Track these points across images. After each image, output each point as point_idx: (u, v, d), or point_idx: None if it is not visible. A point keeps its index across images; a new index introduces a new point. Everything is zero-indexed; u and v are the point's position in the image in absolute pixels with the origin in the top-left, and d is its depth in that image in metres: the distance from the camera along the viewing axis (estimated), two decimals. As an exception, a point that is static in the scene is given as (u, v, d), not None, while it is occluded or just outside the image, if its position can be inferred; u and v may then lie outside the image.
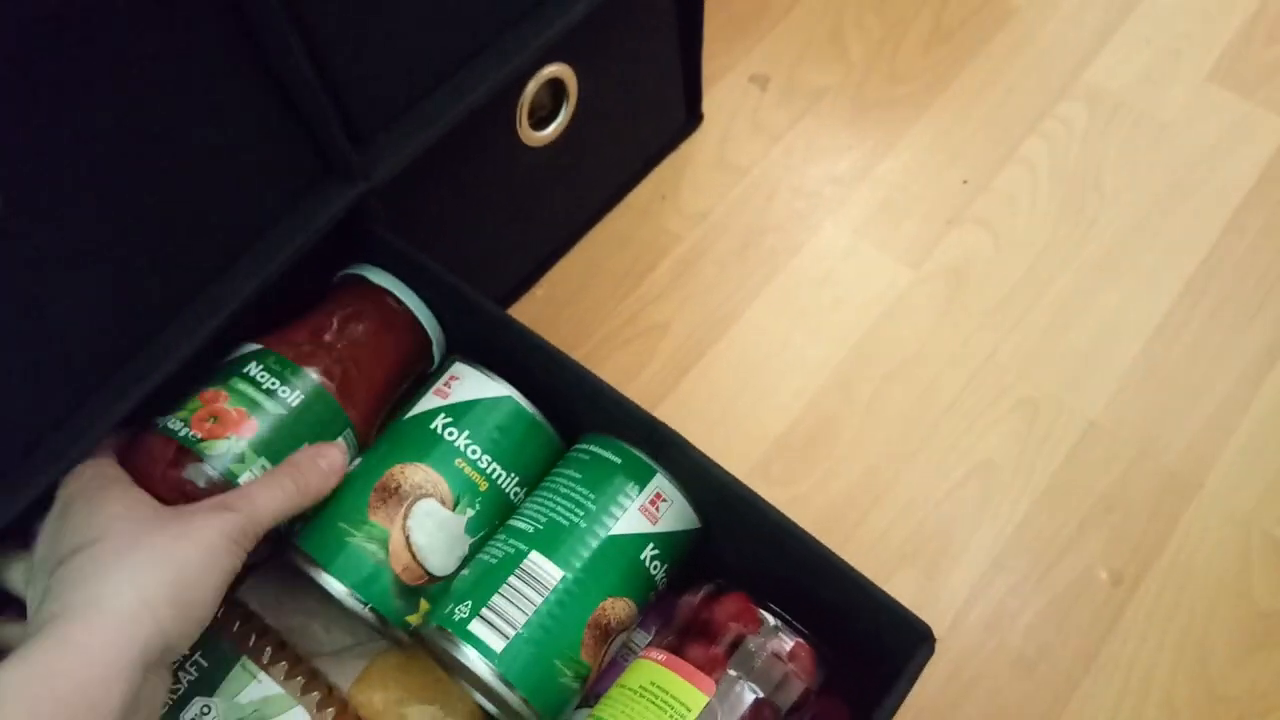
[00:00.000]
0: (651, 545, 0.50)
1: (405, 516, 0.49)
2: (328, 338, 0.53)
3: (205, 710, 0.50)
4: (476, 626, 0.47)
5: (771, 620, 0.47)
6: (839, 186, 0.83)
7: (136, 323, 0.47)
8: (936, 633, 0.45)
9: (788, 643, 0.46)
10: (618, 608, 0.49)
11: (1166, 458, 0.71)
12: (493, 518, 0.51)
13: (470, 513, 0.50)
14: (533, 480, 0.53)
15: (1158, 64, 0.87)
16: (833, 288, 0.78)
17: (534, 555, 0.48)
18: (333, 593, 0.49)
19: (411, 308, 0.56)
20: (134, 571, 0.41)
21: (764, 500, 0.47)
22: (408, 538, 0.49)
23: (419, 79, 0.54)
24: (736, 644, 0.46)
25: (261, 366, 0.50)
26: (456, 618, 0.47)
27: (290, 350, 0.51)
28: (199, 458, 0.47)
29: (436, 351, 0.57)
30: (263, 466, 0.48)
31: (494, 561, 0.48)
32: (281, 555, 0.51)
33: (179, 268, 0.48)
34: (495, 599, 0.47)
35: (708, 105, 0.85)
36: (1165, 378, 0.74)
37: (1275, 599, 0.67)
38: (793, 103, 0.87)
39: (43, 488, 0.45)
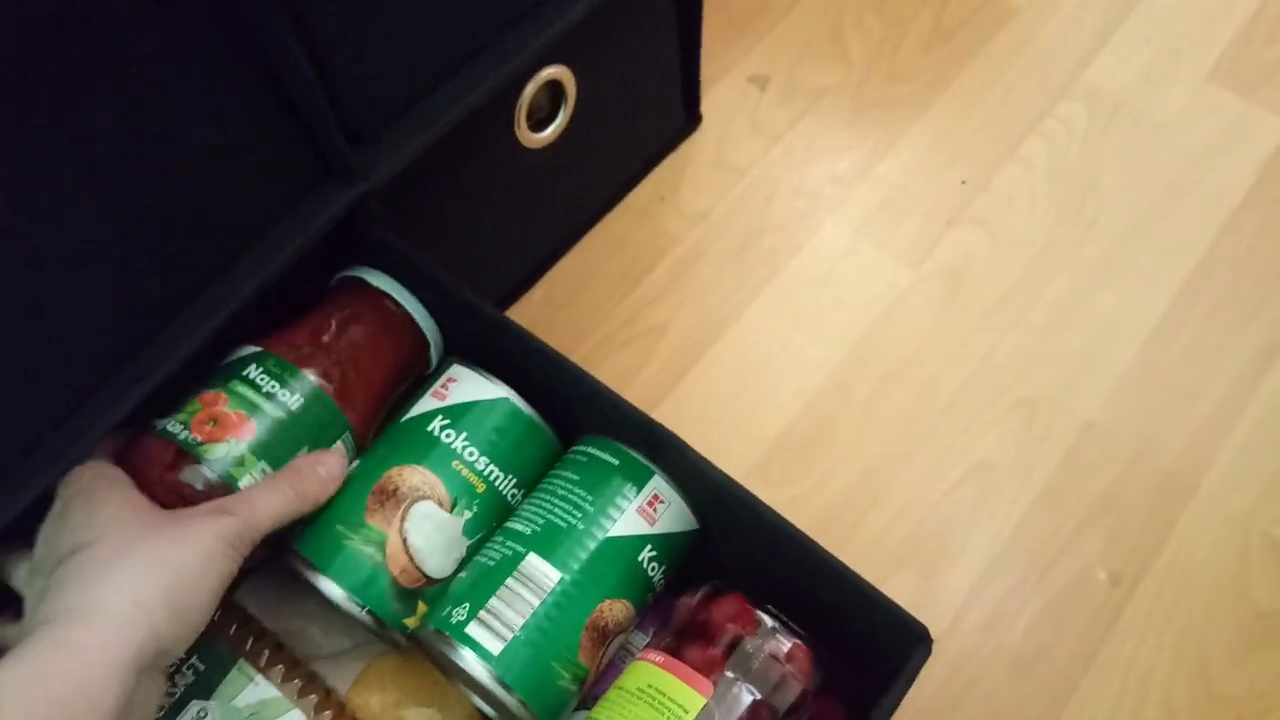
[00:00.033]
0: (649, 547, 0.50)
1: (402, 519, 0.49)
2: (326, 340, 0.53)
3: (202, 713, 0.50)
4: (474, 629, 0.47)
5: (769, 621, 0.47)
6: (838, 187, 0.83)
7: (136, 323, 0.47)
8: (934, 634, 0.45)
9: (785, 644, 0.46)
10: (615, 609, 0.49)
11: (1164, 458, 0.71)
12: (490, 520, 0.51)
13: (468, 515, 0.50)
14: (530, 482, 0.53)
15: (1157, 64, 0.87)
16: (832, 288, 0.78)
17: (531, 557, 0.48)
18: (330, 596, 0.49)
19: (410, 310, 0.56)
20: (130, 574, 0.41)
21: (761, 502, 0.47)
22: (405, 540, 0.49)
23: (417, 81, 0.54)
24: (734, 645, 0.46)
25: (261, 369, 0.50)
26: (454, 620, 0.47)
27: (290, 353, 0.51)
28: (198, 460, 0.47)
29: (434, 354, 0.57)
30: (262, 470, 0.48)
31: (491, 564, 0.48)
32: (279, 559, 0.51)
33: (178, 268, 0.48)
34: (493, 601, 0.47)
35: (707, 106, 0.85)
36: (1163, 378, 0.74)
37: (1274, 599, 0.67)
38: (792, 103, 0.87)
39: (43, 488, 0.45)
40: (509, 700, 0.46)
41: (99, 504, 0.44)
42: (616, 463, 0.50)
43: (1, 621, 0.47)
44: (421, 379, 0.56)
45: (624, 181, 0.82)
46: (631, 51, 0.71)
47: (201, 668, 0.51)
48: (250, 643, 0.53)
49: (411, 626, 0.50)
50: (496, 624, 0.47)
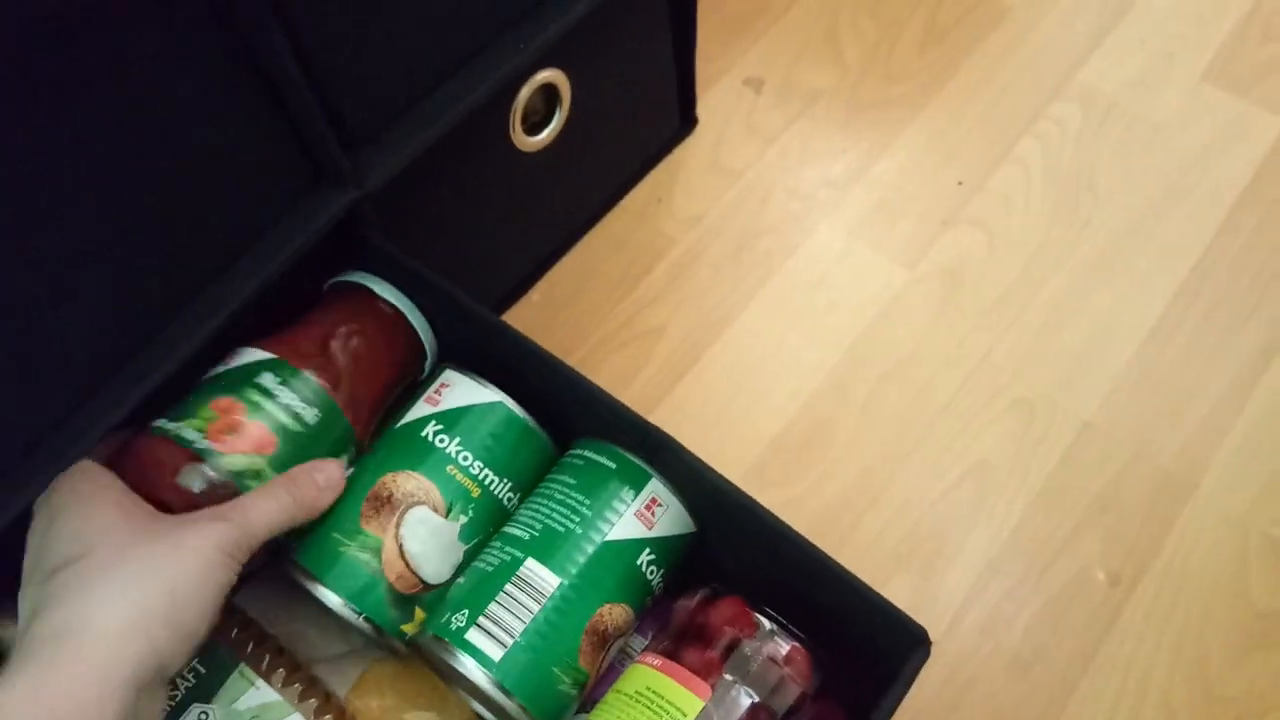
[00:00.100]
0: (648, 550, 0.50)
1: (398, 525, 0.49)
2: (335, 350, 0.52)
3: (203, 717, 0.50)
4: (474, 635, 0.46)
5: (767, 624, 0.47)
6: (834, 188, 0.83)
7: (136, 323, 0.47)
8: (933, 635, 0.45)
9: (783, 647, 0.46)
10: (615, 613, 0.49)
11: (1162, 458, 0.71)
12: (486, 524, 0.51)
13: (463, 519, 0.50)
14: (526, 486, 0.53)
15: (1151, 64, 0.87)
16: (828, 290, 0.78)
17: (530, 562, 0.48)
18: (327, 604, 0.48)
19: (410, 318, 0.55)
20: (126, 588, 0.40)
21: (759, 504, 0.47)
22: (401, 546, 0.49)
23: (410, 86, 0.54)
24: (732, 648, 0.46)
25: (278, 379, 0.50)
26: (453, 627, 0.47)
27: (302, 361, 0.51)
28: (213, 468, 0.47)
29: (429, 361, 0.57)
30: None
31: (490, 569, 0.48)
32: (278, 565, 0.50)
33: (177, 268, 0.48)
34: (492, 607, 0.47)
35: (702, 109, 0.85)
36: (1160, 378, 0.74)
37: (1272, 599, 0.67)
38: (787, 105, 0.87)
39: (43, 487, 0.44)
40: (510, 706, 0.46)
41: (90, 512, 0.43)
42: (614, 466, 0.50)
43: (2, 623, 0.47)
44: (413, 385, 0.56)
45: (620, 184, 0.82)
46: (626, 55, 0.71)
47: (202, 671, 0.51)
48: (251, 646, 0.53)
49: (409, 633, 0.50)
50: (496, 630, 0.46)
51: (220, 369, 0.50)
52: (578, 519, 0.49)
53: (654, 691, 0.45)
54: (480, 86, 0.55)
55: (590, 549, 0.48)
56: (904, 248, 0.80)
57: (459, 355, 0.56)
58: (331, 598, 0.48)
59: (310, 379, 0.50)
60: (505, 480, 0.52)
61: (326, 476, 0.49)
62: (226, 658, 0.51)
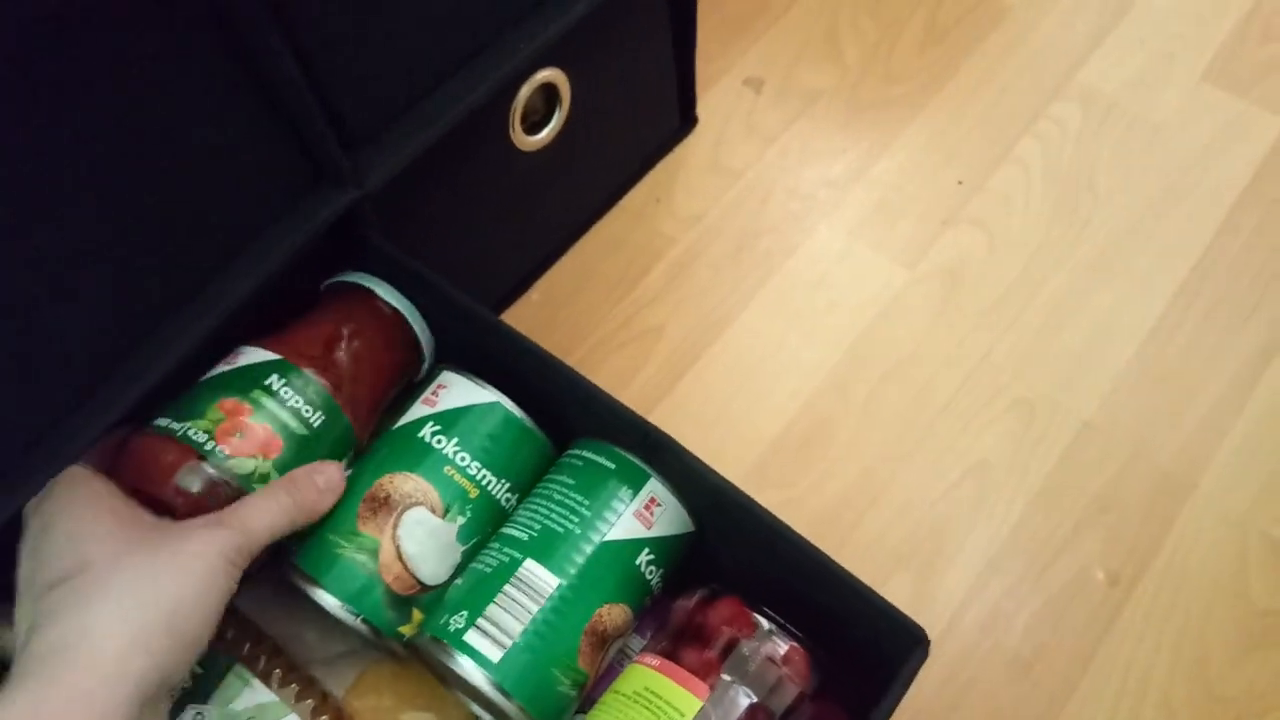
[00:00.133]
0: (647, 550, 0.50)
1: (395, 526, 0.49)
2: (336, 351, 0.52)
3: (199, 717, 0.50)
4: (472, 637, 0.46)
5: (766, 624, 0.47)
6: (833, 188, 0.83)
7: (134, 322, 0.47)
8: (932, 634, 0.45)
9: (782, 647, 0.46)
10: (614, 614, 0.49)
11: (1161, 458, 0.71)
12: (485, 525, 0.51)
13: (461, 520, 0.50)
14: (525, 487, 0.52)
15: (1151, 64, 0.87)
16: (827, 290, 0.78)
17: (529, 563, 0.48)
18: (325, 606, 0.48)
19: (410, 321, 0.55)
20: (125, 601, 0.39)
21: (758, 504, 0.47)
22: (398, 547, 0.49)
23: (409, 86, 0.54)
24: (730, 648, 0.46)
25: (284, 381, 0.49)
26: (452, 628, 0.47)
27: (307, 364, 0.50)
28: (218, 470, 0.46)
29: (425, 363, 0.57)
30: None
31: (488, 570, 0.48)
32: (275, 567, 0.50)
33: (176, 267, 0.48)
34: (491, 608, 0.47)
35: (702, 108, 0.85)
36: (1160, 378, 0.74)
37: (1272, 599, 0.67)
38: (787, 105, 0.87)
39: (41, 486, 0.44)
40: (509, 707, 0.46)
41: (86, 522, 0.42)
42: (612, 466, 0.50)
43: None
44: (410, 386, 0.56)
45: (620, 184, 0.82)
46: (626, 54, 0.71)
47: (199, 672, 0.51)
48: (247, 647, 0.52)
49: (407, 634, 0.49)
50: (495, 631, 0.46)
51: (224, 369, 0.50)
52: (576, 519, 0.49)
53: (652, 692, 0.45)
54: (480, 86, 0.55)
55: (589, 549, 0.48)
56: (904, 248, 0.80)
57: (457, 355, 0.55)
58: (329, 600, 0.48)
59: (314, 380, 0.50)
60: (503, 481, 0.52)
61: (326, 479, 0.48)
62: (222, 658, 0.51)
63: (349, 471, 0.51)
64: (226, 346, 0.51)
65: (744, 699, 0.45)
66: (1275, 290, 0.77)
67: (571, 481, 0.50)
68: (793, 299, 0.78)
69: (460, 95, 0.55)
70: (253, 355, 0.50)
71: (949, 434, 0.72)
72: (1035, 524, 0.69)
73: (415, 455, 0.51)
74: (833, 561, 0.46)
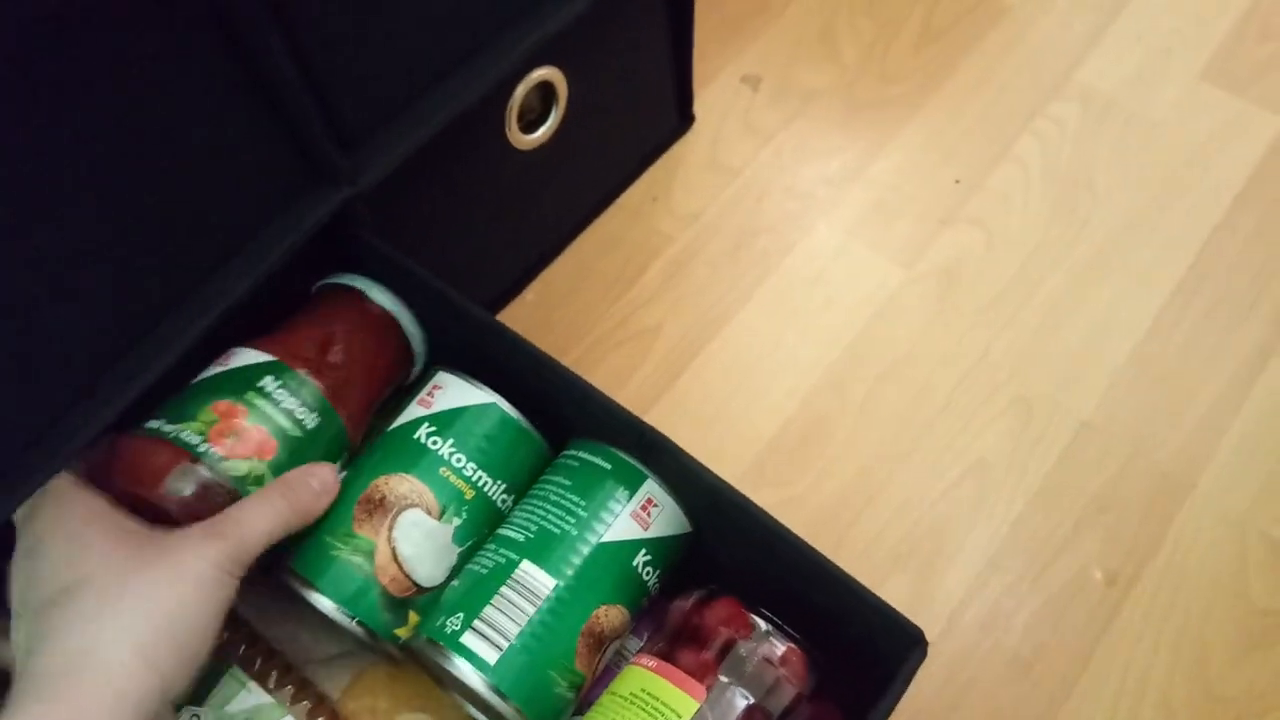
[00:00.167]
0: (644, 551, 0.49)
1: (391, 527, 0.49)
2: (333, 353, 0.52)
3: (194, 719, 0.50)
4: (469, 639, 0.46)
5: (763, 625, 0.47)
6: (831, 187, 0.83)
7: (132, 321, 0.47)
8: (931, 635, 0.45)
9: (779, 648, 0.46)
10: (611, 615, 0.48)
11: (1160, 457, 0.71)
12: (481, 526, 0.51)
13: (457, 522, 0.50)
14: (521, 488, 0.52)
15: (1149, 63, 0.87)
16: (825, 288, 0.78)
17: (525, 564, 0.47)
18: (321, 609, 0.48)
19: (402, 323, 0.55)
20: (128, 618, 0.39)
21: (754, 504, 0.47)
22: (394, 549, 0.48)
23: (406, 84, 0.53)
24: (727, 649, 0.46)
25: (279, 383, 0.49)
26: (448, 630, 0.47)
27: (302, 365, 0.50)
28: (213, 472, 0.46)
29: (418, 366, 0.57)
30: None
31: (485, 572, 0.48)
32: (271, 571, 0.50)
33: (174, 267, 0.48)
34: (487, 610, 0.47)
35: (699, 106, 0.85)
36: (1158, 377, 0.74)
37: (1272, 598, 0.66)
38: (784, 103, 0.86)
39: (40, 485, 0.44)
40: (505, 709, 0.46)
41: (79, 537, 0.41)
42: (609, 467, 0.50)
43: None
44: (401, 387, 0.56)
45: (617, 182, 0.82)
46: (623, 53, 0.71)
47: (193, 675, 0.51)
48: (243, 649, 0.52)
49: (403, 636, 0.49)
50: (491, 633, 0.46)
51: (216, 370, 0.50)
52: (573, 520, 0.48)
53: (649, 693, 0.45)
54: (476, 85, 0.55)
55: (586, 550, 0.48)
56: (902, 247, 0.80)
57: (453, 355, 0.55)
58: (325, 602, 0.48)
59: (308, 382, 0.50)
60: (499, 482, 0.51)
61: (321, 481, 0.48)
62: (218, 660, 0.51)
63: (344, 473, 0.51)
64: (219, 348, 0.51)
65: (741, 700, 0.45)
66: (1273, 289, 0.77)
67: (568, 482, 0.50)
68: (790, 297, 0.78)
69: (456, 94, 0.54)
70: (246, 357, 0.50)
71: (947, 433, 0.72)
72: (1034, 523, 0.69)
73: (411, 456, 0.50)
74: (830, 562, 0.46)
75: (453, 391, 0.52)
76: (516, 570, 0.47)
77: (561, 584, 0.47)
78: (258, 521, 0.44)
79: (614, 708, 0.45)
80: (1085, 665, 0.65)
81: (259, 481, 0.47)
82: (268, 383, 0.49)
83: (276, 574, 0.49)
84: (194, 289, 0.49)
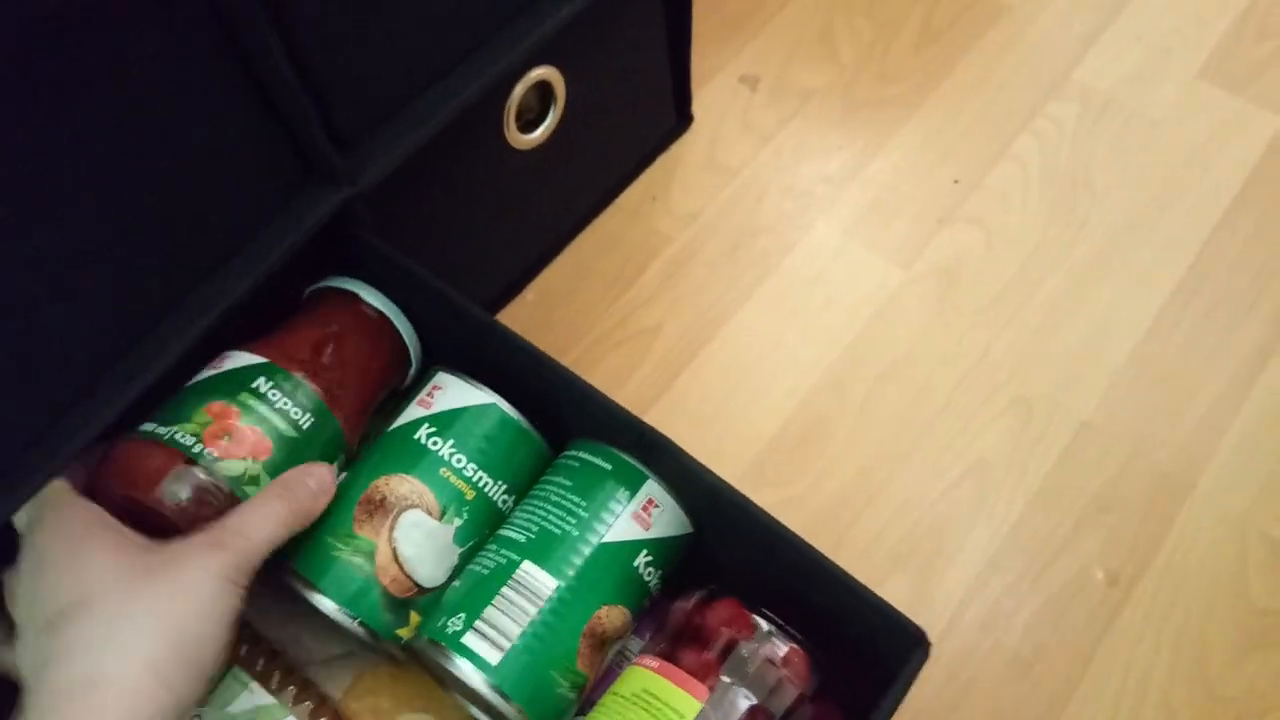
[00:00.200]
0: (645, 551, 0.49)
1: (391, 528, 0.49)
2: (326, 354, 0.52)
3: (195, 721, 0.50)
4: (471, 639, 0.46)
5: (765, 625, 0.46)
6: (830, 187, 0.83)
7: (132, 322, 0.47)
8: (932, 634, 0.44)
9: (781, 648, 0.46)
10: (613, 616, 0.48)
11: (1160, 457, 0.71)
12: (481, 527, 0.51)
13: (458, 522, 0.50)
14: (521, 488, 0.52)
15: (1148, 62, 0.87)
16: (824, 288, 0.78)
17: (527, 565, 0.47)
18: (322, 609, 0.48)
19: (397, 325, 0.55)
20: (138, 637, 0.39)
21: (755, 504, 0.47)
22: (394, 549, 0.48)
23: (403, 84, 0.53)
24: (729, 650, 0.46)
25: (272, 384, 0.49)
26: (450, 631, 0.47)
27: (296, 367, 0.50)
28: (208, 473, 0.46)
29: (412, 369, 0.57)
30: None
31: (486, 572, 0.48)
32: (273, 571, 0.50)
33: (173, 267, 0.48)
34: (489, 610, 0.46)
35: (698, 106, 0.85)
36: (1158, 377, 0.74)
37: (1272, 598, 0.66)
38: (783, 103, 0.86)
39: (40, 485, 0.44)
40: (507, 710, 0.46)
41: (82, 552, 0.41)
42: (609, 467, 0.50)
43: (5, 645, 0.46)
44: (396, 392, 0.56)
45: (615, 182, 0.82)
46: (621, 52, 0.71)
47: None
48: (245, 649, 0.52)
49: (404, 637, 0.49)
50: (493, 633, 0.46)
51: (209, 373, 0.50)
52: (574, 521, 0.48)
53: (651, 694, 0.45)
54: (474, 84, 0.55)
55: (587, 551, 0.48)
56: (900, 246, 0.80)
57: (452, 355, 0.55)
58: (326, 603, 0.48)
59: (302, 383, 0.50)
60: (500, 482, 0.51)
61: (318, 480, 0.48)
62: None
63: (342, 476, 0.50)
64: (218, 349, 0.51)
65: (743, 700, 0.44)
66: (1273, 288, 0.77)
67: (569, 483, 0.50)
68: (789, 297, 0.78)
69: (454, 94, 0.54)
70: (239, 359, 0.50)
71: (947, 433, 0.72)
72: (1034, 523, 0.69)
73: (411, 457, 0.50)
74: (831, 561, 0.46)
75: (453, 392, 0.52)
76: (518, 571, 0.47)
77: (563, 584, 0.47)
78: (260, 528, 0.44)
79: (616, 708, 0.45)
80: (1086, 665, 0.65)
81: (254, 482, 0.47)
82: (261, 384, 0.49)
83: (278, 575, 0.49)
84: (194, 289, 0.49)
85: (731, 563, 0.51)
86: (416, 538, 0.49)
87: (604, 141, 0.76)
